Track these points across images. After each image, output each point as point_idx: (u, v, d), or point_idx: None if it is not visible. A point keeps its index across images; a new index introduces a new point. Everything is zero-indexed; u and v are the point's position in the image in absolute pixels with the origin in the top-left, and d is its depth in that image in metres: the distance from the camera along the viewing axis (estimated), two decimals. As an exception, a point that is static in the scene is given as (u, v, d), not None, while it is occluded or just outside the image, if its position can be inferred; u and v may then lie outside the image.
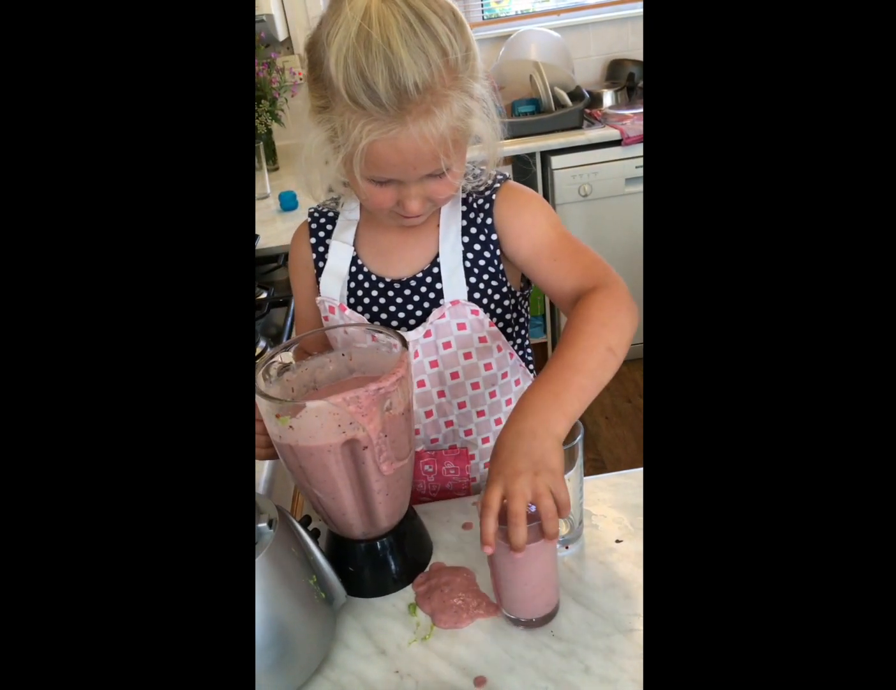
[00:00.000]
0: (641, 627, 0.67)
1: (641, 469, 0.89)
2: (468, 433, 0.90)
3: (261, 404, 0.65)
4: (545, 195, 2.42)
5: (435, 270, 0.83)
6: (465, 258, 0.83)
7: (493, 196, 0.83)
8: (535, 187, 2.40)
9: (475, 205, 0.84)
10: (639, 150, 2.30)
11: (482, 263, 0.83)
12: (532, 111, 2.55)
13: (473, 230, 0.83)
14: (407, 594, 0.74)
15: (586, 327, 0.69)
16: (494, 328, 0.85)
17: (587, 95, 2.48)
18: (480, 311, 0.83)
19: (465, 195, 0.84)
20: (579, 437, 0.74)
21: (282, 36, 2.45)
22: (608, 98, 2.59)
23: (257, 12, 2.12)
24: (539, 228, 0.81)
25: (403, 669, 0.66)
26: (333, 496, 0.69)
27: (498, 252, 0.83)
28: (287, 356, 0.73)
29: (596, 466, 2.23)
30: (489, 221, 0.83)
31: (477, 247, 0.83)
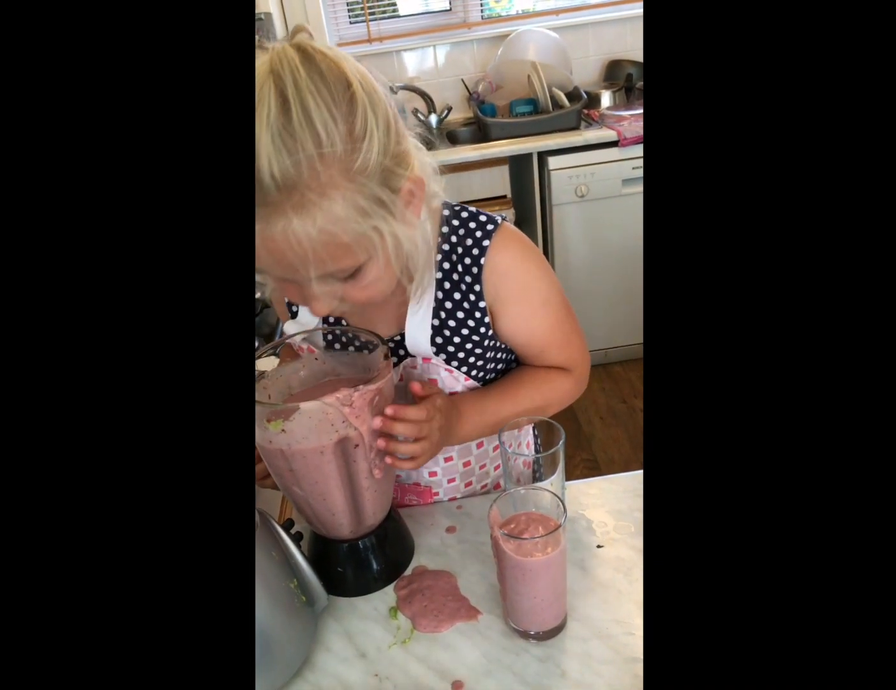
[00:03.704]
0: (618, 632, 0.68)
1: (628, 474, 0.90)
2: (432, 474, 0.87)
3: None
4: (542, 196, 2.42)
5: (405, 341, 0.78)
6: (441, 327, 0.77)
7: (482, 258, 0.74)
8: (532, 188, 2.41)
9: (459, 265, 0.75)
10: (636, 151, 2.30)
11: (465, 332, 0.77)
12: (529, 111, 2.55)
13: (457, 296, 0.75)
14: (388, 597, 0.75)
15: (539, 394, 0.81)
16: (470, 382, 0.80)
17: (585, 96, 2.48)
18: (455, 370, 0.79)
19: (447, 247, 0.75)
20: (560, 442, 0.74)
21: (280, 35, 2.45)
22: (606, 99, 2.59)
23: (255, 10, 2.12)
24: (538, 319, 0.79)
25: (382, 672, 0.67)
26: (324, 497, 0.69)
27: (487, 320, 0.77)
28: (263, 364, 0.73)
29: (590, 466, 2.24)
30: (477, 287, 0.75)
31: (460, 315, 0.76)
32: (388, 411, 0.65)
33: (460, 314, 0.76)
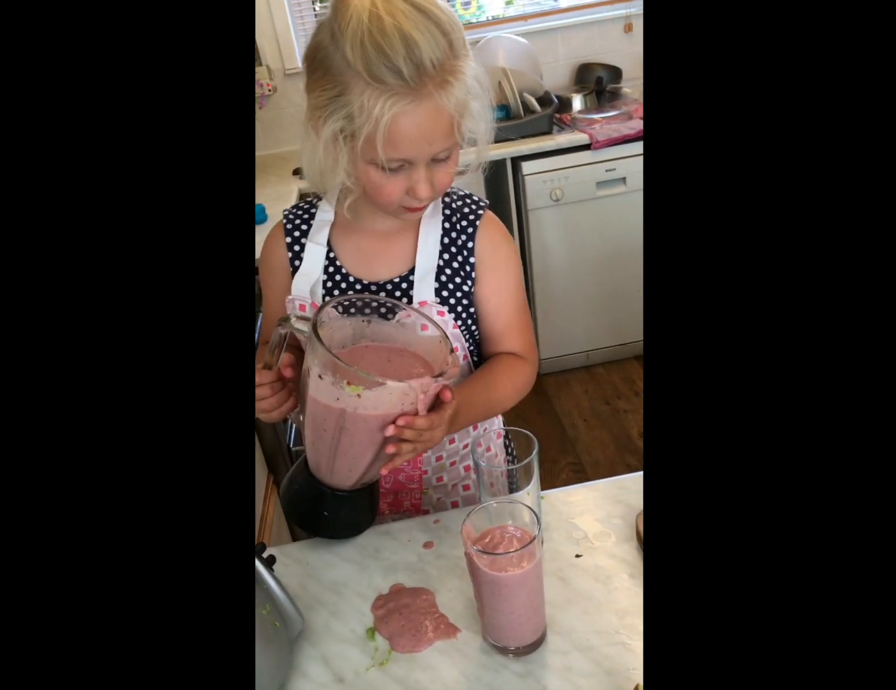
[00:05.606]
0: (599, 644, 0.67)
1: (607, 480, 0.89)
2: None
3: (328, 365, 0.68)
4: (517, 202, 2.42)
5: (411, 277, 0.87)
6: (439, 273, 0.86)
7: (477, 222, 0.88)
8: (507, 194, 2.41)
9: (458, 225, 0.88)
10: (608, 153, 2.31)
11: (458, 280, 0.87)
12: (501, 117, 2.54)
13: (453, 250, 0.87)
14: (366, 618, 0.73)
15: (511, 382, 0.89)
16: (457, 331, 0.87)
17: (556, 100, 2.48)
18: (446, 311, 0.86)
19: (448, 212, 0.88)
20: (534, 453, 0.74)
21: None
22: (577, 102, 2.59)
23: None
24: (509, 295, 0.90)
25: (360, 696, 0.65)
26: (356, 456, 0.73)
27: (473, 275, 0.87)
28: (325, 314, 0.74)
29: (575, 469, 2.23)
30: (470, 244, 0.87)
31: (455, 265, 0.87)
32: (400, 422, 0.71)
33: (455, 264, 0.87)
